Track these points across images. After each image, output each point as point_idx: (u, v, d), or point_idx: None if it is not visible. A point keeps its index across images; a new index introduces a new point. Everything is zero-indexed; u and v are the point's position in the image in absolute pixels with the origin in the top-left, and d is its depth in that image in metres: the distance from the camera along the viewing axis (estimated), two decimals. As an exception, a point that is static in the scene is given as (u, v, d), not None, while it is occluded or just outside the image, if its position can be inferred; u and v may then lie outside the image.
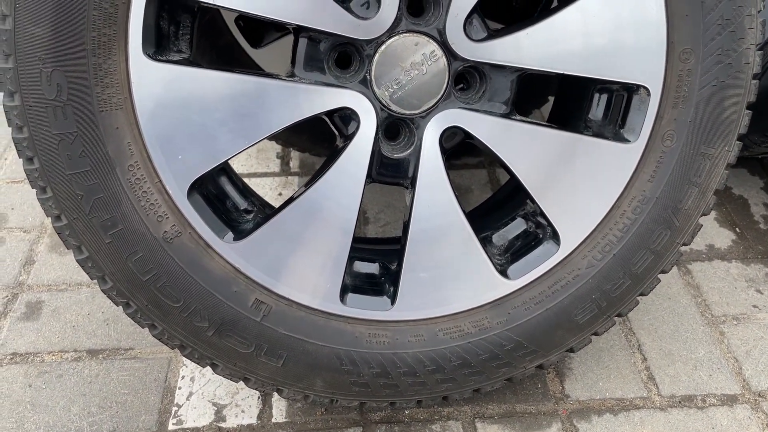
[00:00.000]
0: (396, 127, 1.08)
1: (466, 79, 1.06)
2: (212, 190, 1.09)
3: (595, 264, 1.12)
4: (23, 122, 0.95)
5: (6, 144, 1.96)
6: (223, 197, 1.11)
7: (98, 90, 0.95)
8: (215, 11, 1.55)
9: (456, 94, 1.06)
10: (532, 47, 1.02)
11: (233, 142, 1.00)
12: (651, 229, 1.11)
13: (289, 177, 1.90)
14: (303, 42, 1.00)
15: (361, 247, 1.19)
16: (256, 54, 1.62)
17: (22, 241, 1.67)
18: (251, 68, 1.67)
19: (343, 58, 1.03)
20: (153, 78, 0.97)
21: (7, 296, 1.53)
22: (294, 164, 1.94)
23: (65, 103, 0.94)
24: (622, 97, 1.10)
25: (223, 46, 1.64)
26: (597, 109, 1.13)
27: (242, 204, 1.12)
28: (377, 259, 1.17)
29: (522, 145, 1.06)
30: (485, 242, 1.14)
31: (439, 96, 1.04)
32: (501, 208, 1.24)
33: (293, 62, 1.01)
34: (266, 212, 1.15)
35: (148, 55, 0.95)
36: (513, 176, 1.09)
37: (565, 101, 1.22)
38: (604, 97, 1.12)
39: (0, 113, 1.95)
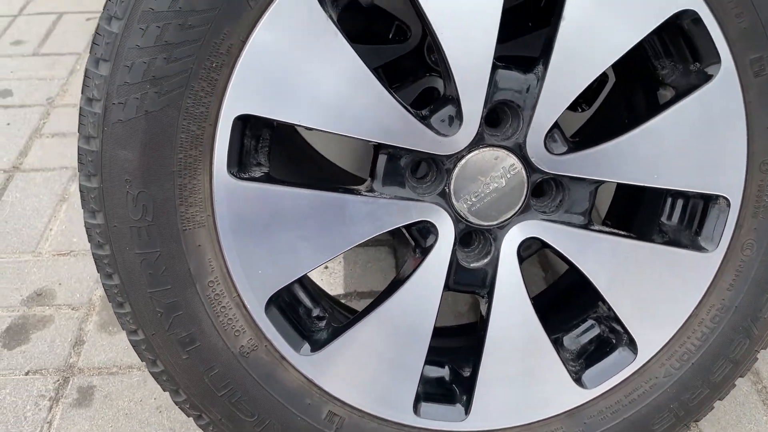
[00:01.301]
0: (473, 237, 1.07)
1: (545, 189, 1.06)
2: (286, 300, 1.08)
3: (673, 373, 1.10)
4: (105, 240, 0.95)
5: (50, 214, 1.96)
6: (296, 305, 1.10)
7: (182, 209, 0.95)
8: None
9: (534, 204, 1.05)
10: (613, 161, 1.01)
11: (313, 256, 1.00)
12: (730, 338, 1.10)
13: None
14: (383, 158, 1.00)
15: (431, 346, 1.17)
16: (328, 149, 1.65)
17: (70, 319, 1.66)
18: (326, 166, 1.69)
19: (421, 170, 1.03)
20: (235, 195, 0.96)
21: (58, 380, 1.52)
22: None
23: (150, 223, 0.94)
24: (699, 204, 1.09)
25: (299, 146, 1.66)
26: (672, 215, 1.12)
27: (314, 310, 1.11)
28: (447, 362, 1.16)
29: (599, 256, 1.05)
30: (558, 346, 1.12)
31: (518, 208, 1.03)
32: (569, 306, 1.23)
33: (372, 175, 1.01)
34: (336, 315, 1.14)
35: (231, 174, 0.95)
36: (589, 284, 1.07)
37: (635, 204, 1.21)
38: (680, 203, 1.11)
39: (28, 181, 1.96)
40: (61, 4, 3.08)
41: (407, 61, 1.42)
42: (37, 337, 1.61)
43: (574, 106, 1.35)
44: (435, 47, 0.96)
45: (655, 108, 1.03)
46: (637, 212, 1.19)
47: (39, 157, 2.18)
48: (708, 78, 1.00)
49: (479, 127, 0.99)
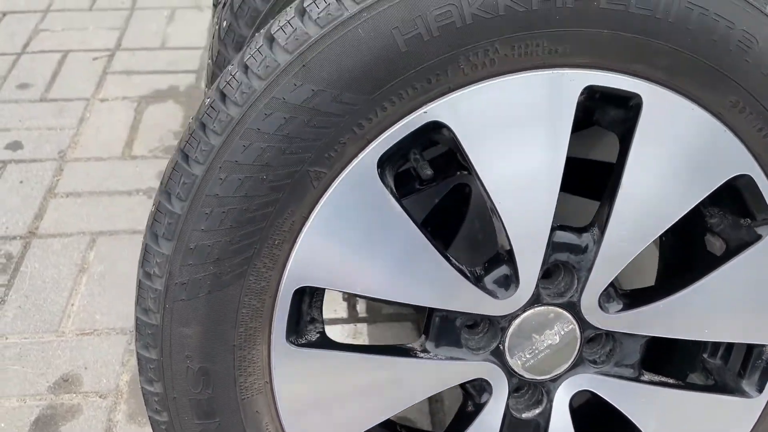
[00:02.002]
0: (526, 390, 1.08)
1: (597, 340, 1.07)
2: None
3: None
4: (163, 408, 0.95)
5: (71, 287, 1.95)
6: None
7: (241, 380, 0.95)
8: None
9: (586, 355, 1.06)
10: (665, 319, 1.02)
11: (368, 417, 1.00)
12: (772, 479, 1.12)
13: (358, 325, 1.89)
14: (437, 320, 1.00)
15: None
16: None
17: (99, 408, 1.66)
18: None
19: (476, 328, 1.03)
20: (293, 361, 0.97)
21: (90, 479, 1.52)
22: (361, 308, 1.94)
23: (210, 395, 0.94)
24: (744, 348, 1.10)
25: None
26: (717, 353, 1.14)
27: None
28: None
29: (649, 405, 1.07)
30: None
31: (571, 362, 1.04)
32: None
33: (426, 335, 1.01)
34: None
35: (290, 341, 0.96)
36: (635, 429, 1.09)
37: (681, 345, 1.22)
38: (724, 344, 1.12)
39: (46, 248, 1.94)
40: (65, 41, 3.03)
41: (439, 159, 1.42)
42: (66, 430, 1.61)
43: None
44: (492, 212, 0.96)
45: (706, 263, 1.04)
46: (680, 342, 1.21)
47: (55, 219, 2.16)
48: (759, 237, 1.02)
49: (535, 288, 1.00)
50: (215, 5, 1.66)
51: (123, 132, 2.52)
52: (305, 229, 0.91)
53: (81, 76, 2.82)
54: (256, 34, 0.90)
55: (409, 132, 0.90)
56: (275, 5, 1.23)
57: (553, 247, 0.98)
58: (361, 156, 0.89)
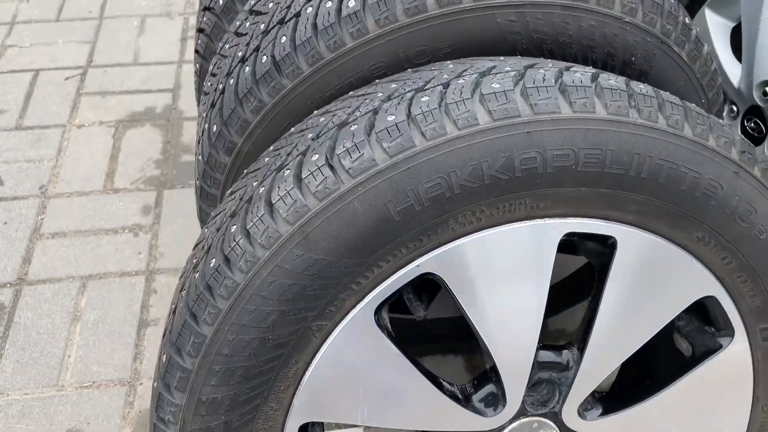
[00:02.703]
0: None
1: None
2: None
3: None
4: None
5: (66, 337, 1.99)
6: None
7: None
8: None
9: (565, 453, 1.16)
10: (637, 421, 1.12)
11: None
12: None
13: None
14: (428, 432, 1.09)
15: None
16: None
17: (104, 465, 1.73)
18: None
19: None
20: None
21: None
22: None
23: None
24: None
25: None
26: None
27: None
28: None
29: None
30: None
31: (552, 461, 1.14)
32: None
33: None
34: None
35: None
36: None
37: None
38: None
39: (37, 296, 1.97)
40: (35, 58, 2.97)
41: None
42: (75, 489, 1.69)
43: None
44: (482, 348, 1.04)
45: (676, 367, 1.14)
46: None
47: (43, 264, 2.19)
48: (722, 345, 1.11)
49: (521, 404, 1.08)
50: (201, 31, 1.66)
51: (103, 162, 2.52)
52: (308, 374, 0.98)
53: (54, 98, 2.79)
54: (256, 197, 0.95)
55: (403, 283, 0.96)
56: (263, 119, 1.26)
57: (537, 366, 1.07)
58: (359, 307, 0.96)
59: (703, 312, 1.14)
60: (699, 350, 1.13)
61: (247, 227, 0.92)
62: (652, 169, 0.95)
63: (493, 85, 0.93)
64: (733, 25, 1.91)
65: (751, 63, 1.77)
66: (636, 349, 1.08)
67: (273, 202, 0.91)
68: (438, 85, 0.96)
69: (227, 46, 1.36)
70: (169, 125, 2.71)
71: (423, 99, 0.93)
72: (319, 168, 0.90)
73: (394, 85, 1.03)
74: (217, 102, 1.29)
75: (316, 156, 0.92)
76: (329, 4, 1.16)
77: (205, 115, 1.34)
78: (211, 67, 1.40)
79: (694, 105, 1.03)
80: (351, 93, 1.12)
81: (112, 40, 3.09)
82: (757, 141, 1.80)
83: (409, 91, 0.97)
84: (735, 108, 1.87)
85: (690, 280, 1.05)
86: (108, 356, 1.96)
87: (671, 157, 0.95)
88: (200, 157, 1.34)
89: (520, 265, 0.98)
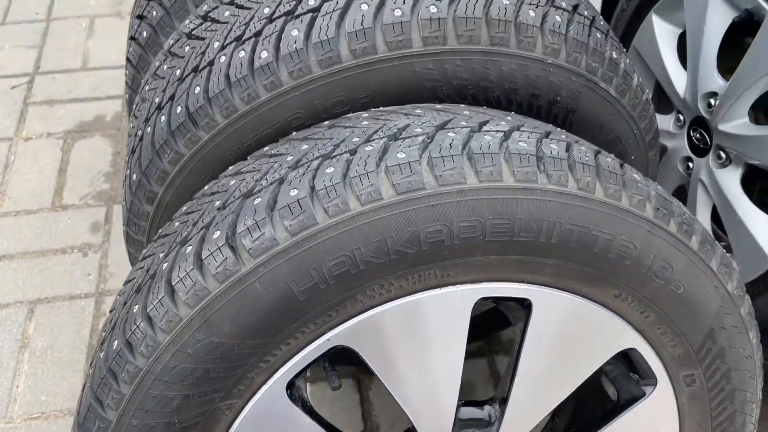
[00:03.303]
0: None
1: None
2: None
3: None
4: None
5: (14, 366, 1.96)
6: None
7: None
8: None
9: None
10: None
11: None
12: None
13: None
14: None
15: None
16: None
17: (54, 499, 1.73)
18: None
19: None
20: None
21: None
22: None
23: None
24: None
25: None
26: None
27: None
28: None
29: None
30: None
31: None
32: None
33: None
34: None
35: None
36: None
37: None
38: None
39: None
40: (-20, 65, 2.88)
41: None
42: None
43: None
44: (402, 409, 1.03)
45: (603, 414, 1.14)
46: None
47: (-10, 288, 2.15)
48: (645, 393, 1.11)
49: (445, 461, 1.08)
50: (133, 39, 1.62)
51: (51, 177, 2.47)
52: (222, 453, 0.97)
53: (1, 109, 2.72)
54: (159, 275, 0.92)
55: (314, 357, 0.95)
56: (182, 170, 1.22)
57: (459, 424, 1.07)
58: (269, 383, 0.94)
59: (628, 360, 1.14)
60: (624, 396, 1.13)
61: (148, 310, 0.89)
62: (563, 234, 0.93)
63: (398, 155, 0.90)
64: (680, 31, 1.88)
65: (695, 73, 1.75)
66: (559, 402, 1.07)
67: (173, 283, 0.89)
68: (345, 152, 0.93)
69: (147, 87, 1.31)
70: (119, 135, 2.65)
71: (328, 171, 0.91)
72: (219, 248, 0.88)
73: (305, 146, 1.00)
74: (137, 149, 1.25)
75: (217, 233, 0.89)
76: (242, 54, 1.12)
77: (127, 160, 1.30)
78: (133, 107, 1.36)
79: (609, 159, 1.01)
80: (267, 148, 1.09)
81: (60, 43, 3.00)
82: (702, 152, 1.79)
83: (316, 158, 0.94)
84: (681, 117, 1.85)
85: (609, 334, 1.04)
86: (57, 385, 1.94)
87: (582, 221, 0.93)
88: (124, 204, 1.31)
89: (433, 331, 0.97)
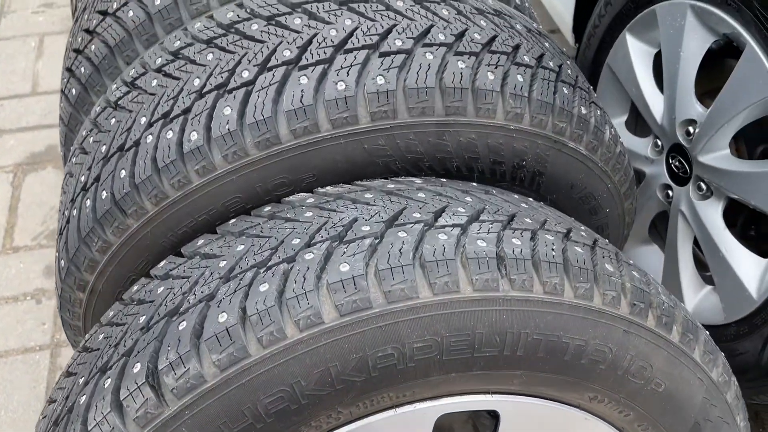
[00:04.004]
0: None
1: None
2: None
3: None
4: None
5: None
6: None
7: None
8: None
9: None
10: None
11: None
12: None
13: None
14: None
15: None
16: None
17: None
18: None
19: None
20: None
21: None
22: None
23: None
24: None
25: None
26: None
27: None
28: None
29: None
30: None
31: None
32: None
33: None
34: None
35: None
36: None
37: None
38: None
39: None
40: None
41: None
42: None
43: None
44: None
45: None
46: None
47: (-63, 344, 2.03)
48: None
49: None
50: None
51: (1, 216, 2.33)
52: None
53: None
54: (75, 410, 0.81)
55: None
56: (113, 259, 1.11)
57: None
58: None
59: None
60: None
61: (66, 457, 0.79)
62: (529, 345, 0.83)
63: (342, 267, 0.80)
64: (655, 51, 1.77)
65: (672, 99, 1.65)
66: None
67: (89, 428, 0.78)
68: (282, 260, 0.82)
69: (73, 160, 1.19)
70: (73, 166, 2.52)
71: (262, 288, 0.80)
72: (139, 387, 0.77)
73: (240, 247, 0.89)
74: (64, 232, 1.14)
75: (138, 367, 0.79)
76: (170, 134, 1.00)
77: (56, 242, 1.18)
78: (62, 182, 1.24)
79: (579, 249, 0.90)
80: (201, 241, 0.98)
81: (9, 66, 2.84)
82: (681, 181, 1.70)
83: (250, 268, 0.83)
84: (659, 143, 1.75)
85: (585, 435, 0.96)
86: (11, 451, 1.84)
87: (550, 328, 0.84)
88: (55, 287, 1.19)
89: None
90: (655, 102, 1.78)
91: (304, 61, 0.99)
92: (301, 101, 0.96)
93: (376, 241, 0.83)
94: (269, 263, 0.83)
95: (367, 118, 0.98)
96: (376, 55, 1.01)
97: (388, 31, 1.03)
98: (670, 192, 1.76)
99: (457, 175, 1.09)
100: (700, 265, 1.80)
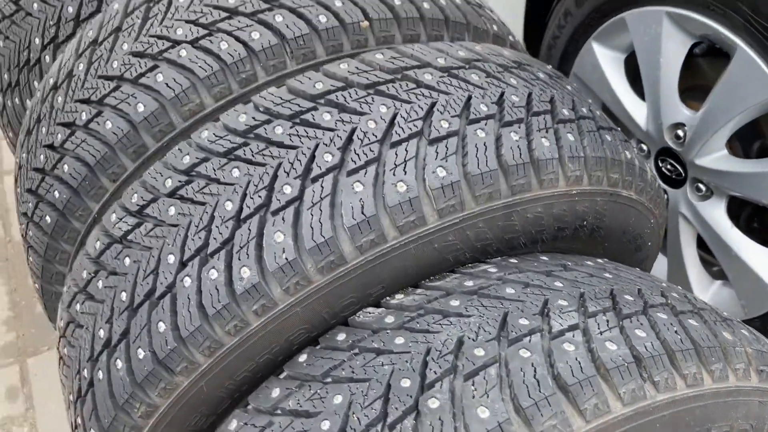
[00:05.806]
0: None
1: None
2: None
3: None
4: None
5: None
6: None
7: None
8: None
9: None
10: None
11: None
12: None
13: None
14: None
15: None
16: None
17: None
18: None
19: None
20: None
21: None
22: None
23: None
24: None
25: None
26: None
27: None
28: None
29: None
30: None
31: None
32: None
33: None
34: None
35: None
36: None
37: None
38: None
39: None
40: None
41: None
42: None
43: None
44: None
45: None
46: None
47: None
48: None
49: None
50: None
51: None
52: None
53: None
54: None
55: None
56: (160, 421, 0.96)
57: None
58: None
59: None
60: None
61: None
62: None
63: (480, 414, 0.70)
64: (624, 56, 1.76)
65: (656, 105, 1.63)
66: None
67: None
68: (403, 416, 0.71)
69: (77, 307, 1.02)
70: (9, 266, 2.25)
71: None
72: None
73: (339, 399, 0.77)
74: (88, 397, 0.97)
75: None
76: (214, 274, 0.86)
77: (72, 406, 1.01)
78: (64, 328, 1.06)
79: (694, 323, 0.84)
80: (277, 395, 0.84)
81: None
82: (675, 183, 1.70)
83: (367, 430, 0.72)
84: (645, 147, 1.74)
85: None
86: None
87: (699, 424, 0.77)
88: None
89: None
90: (634, 108, 1.77)
91: (351, 164, 0.88)
92: (363, 212, 0.85)
93: (504, 371, 0.74)
94: (388, 419, 0.72)
95: (435, 216, 0.88)
96: (426, 143, 0.91)
97: (429, 112, 0.94)
98: (665, 196, 1.75)
99: (520, 251, 1.01)
100: (703, 261, 1.82)
